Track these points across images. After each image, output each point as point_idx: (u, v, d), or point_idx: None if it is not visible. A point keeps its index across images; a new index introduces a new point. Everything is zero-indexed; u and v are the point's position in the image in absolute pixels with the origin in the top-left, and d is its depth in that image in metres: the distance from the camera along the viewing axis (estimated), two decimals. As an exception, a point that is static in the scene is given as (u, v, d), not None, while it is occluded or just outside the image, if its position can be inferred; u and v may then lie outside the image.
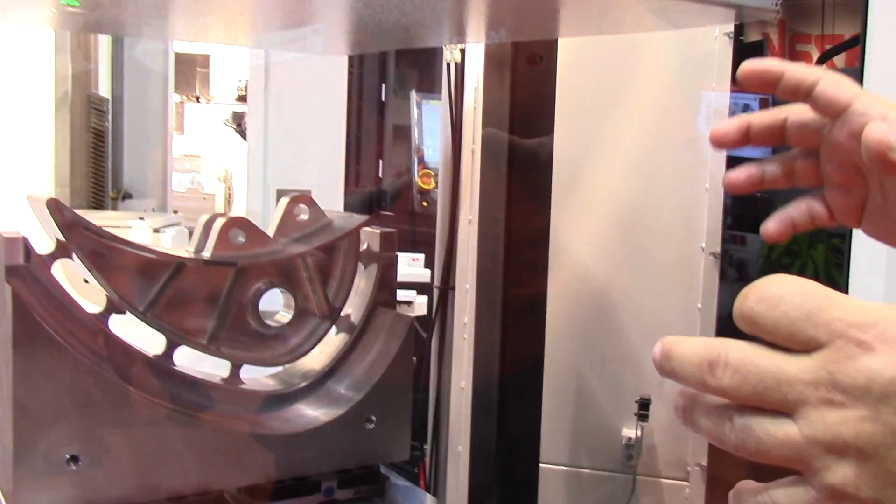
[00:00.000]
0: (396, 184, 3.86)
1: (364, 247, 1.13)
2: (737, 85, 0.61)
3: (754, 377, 0.40)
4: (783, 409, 0.39)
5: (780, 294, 0.40)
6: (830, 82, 0.57)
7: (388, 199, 3.93)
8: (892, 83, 0.85)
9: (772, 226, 0.65)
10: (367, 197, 3.85)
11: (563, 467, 1.61)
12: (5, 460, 0.91)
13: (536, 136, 1.35)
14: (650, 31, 1.19)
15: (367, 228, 1.13)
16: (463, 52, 1.55)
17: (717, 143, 0.64)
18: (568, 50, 1.47)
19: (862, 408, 0.38)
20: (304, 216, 1.07)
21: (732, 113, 1.35)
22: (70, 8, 1.08)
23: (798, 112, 0.61)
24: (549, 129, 1.37)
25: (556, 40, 1.38)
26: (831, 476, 0.38)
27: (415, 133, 3.55)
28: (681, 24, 1.05)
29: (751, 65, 0.59)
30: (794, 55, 2.73)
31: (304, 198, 1.07)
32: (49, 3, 1.08)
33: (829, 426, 0.38)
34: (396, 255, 1.14)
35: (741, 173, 0.65)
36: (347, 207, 2.90)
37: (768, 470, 0.41)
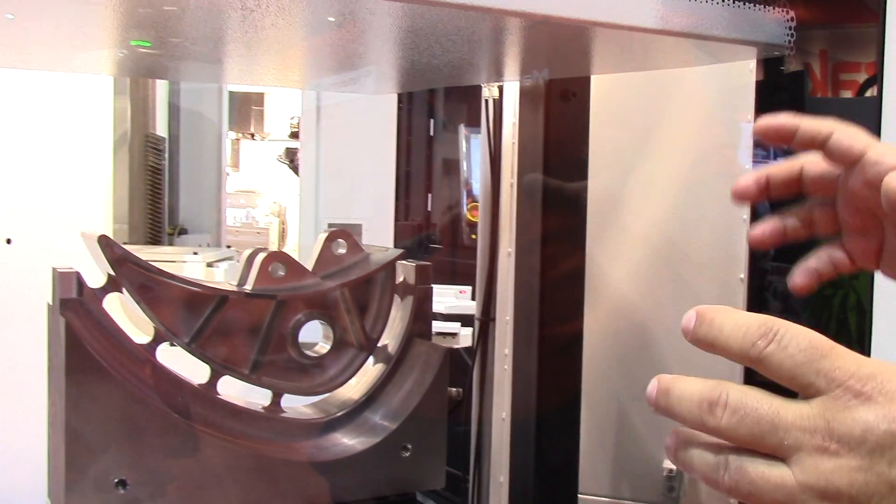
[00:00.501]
0: (446, 217, 3.91)
1: (400, 279, 1.16)
2: (755, 137, 0.64)
3: (752, 419, 0.40)
4: (779, 453, 0.40)
5: (787, 336, 0.41)
6: (843, 134, 0.60)
7: (438, 232, 3.98)
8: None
9: (799, 280, 0.67)
10: (417, 230, 3.90)
11: (603, 498, 1.62)
12: (58, 483, 0.96)
13: (570, 170, 1.38)
14: (666, 69, 1.22)
15: (403, 262, 1.17)
16: (501, 88, 1.59)
17: (739, 197, 0.66)
18: (604, 84, 1.50)
19: (857, 458, 0.39)
20: (341, 250, 1.11)
21: (758, 146, 1.35)
22: (141, 49, 1.13)
23: (813, 163, 0.64)
24: (583, 163, 1.40)
25: (589, 76, 1.42)
26: None
27: (463, 166, 3.60)
28: (690, 63, 1.08)
29: (766, 122, 0.62)
30: (837, 84, 2.73)
31: (341, 233, 1.11)
32: (119, 45, 1.14)
33: (824, 474, 0.39)
34: (432, 288, 1.17)
35: (765, 229, 0.67)
36: (397, 240, 2.95)
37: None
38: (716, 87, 1.49)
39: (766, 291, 1.97)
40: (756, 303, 1.09)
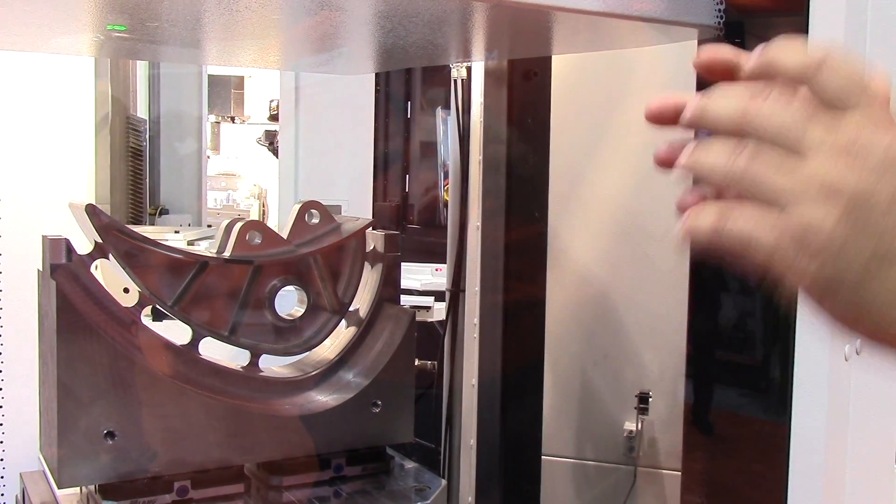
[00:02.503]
0: (423, 198, 3.98)
1: (371, 247, 1.24)
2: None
3: (792, 110, 0.42)
4: (800, 147, 0.41)
5: (843, 59, 0.43)
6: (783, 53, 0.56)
7: (416, 212, 4.05)
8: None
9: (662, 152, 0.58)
10: (395, 210, 3.96)
11: (567, 459, 1.71)
12: (51, 436, 1.03)
13: (533, 146, 1.46)
14: (617, 49, 1.29)
15: (373, 231, 1.24)
16: (469, 69, 1.66)
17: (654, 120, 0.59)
18: (567, 62, 1.57)
19: (873, 164, 0.40)
20: (314, 220, 1.18)
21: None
22: (116, 33, 1.18)
23: None
24: (545, 139, 1.47)
25: (550, 57, 1.49)
26: (812, 212, 0.40)
27: (440, 148, 3.66)
28: (641, 43, 1.15)
29: (707, 55, 0.52)
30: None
31: (314, 203, 1.19)
32: (95, 29, 1.19)
33: (837, 168, 0.40)
34: (400, 255, 1.25)
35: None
36: (376, 220, 3.01)
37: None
38: (673, 67, 1.56)
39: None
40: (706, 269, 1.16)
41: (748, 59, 0.52)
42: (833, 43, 0.93)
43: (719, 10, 0.91)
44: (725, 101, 0.44)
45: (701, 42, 1.02)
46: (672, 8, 0.90)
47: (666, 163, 0.62)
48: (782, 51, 0.44)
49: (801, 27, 0.92)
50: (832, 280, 0.41)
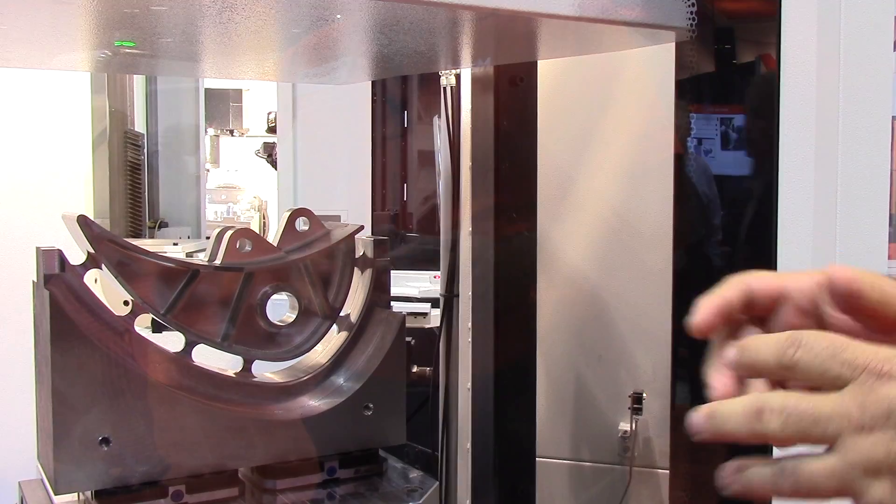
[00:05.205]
0: (421, 206, 4.00)
1: (360, 253, 1.26)
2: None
3: (795, 418, 0.45)
4: (824, 442, 0.45)
5: (811, 340, 0.46)
6: (758, 281, 0.52)
7: (414, 220, 4.07)
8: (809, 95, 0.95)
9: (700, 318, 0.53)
10: (394, 219, 3.99)
11: (562, 460, 1.72)
12: (47, 442, 1.05)
13: (520, 151, 1.47)
14: (598, 53, 1.31)
15: (363, 237, 1.26)
16: (458, 76, 1.68)
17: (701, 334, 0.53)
18: (554, 66, 1.59)
19: (890, 430, 0.43)
20: (304, 227, 1.20)
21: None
22: (125, 49, 1.20)
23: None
24: (532, 144, 1.49)
25: (536, 62, 1.51)
26: (871, 495, 0.43)
27: (438, 157, 3.68)
28: (611, 48, 1.17)
29: (700, 319, 0.51)
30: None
31: (304, 211, 1.21)
32: (103, 46, 1.21)
33: (864, 450, 0.43)
34: (390, 260, 1.27)
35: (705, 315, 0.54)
36: (375, 230, 3.03)
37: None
38: (657, 69, 1.58)
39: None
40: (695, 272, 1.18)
41: (732, 293, 0.51)
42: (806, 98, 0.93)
43: (691, 13, 0.93)
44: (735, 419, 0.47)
45: (678, 44, 1.04)
46: (649, 12, 0.92)
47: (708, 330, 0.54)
48: (750, 352, 0.48)
49: (774, 32, 0.93)
50: None
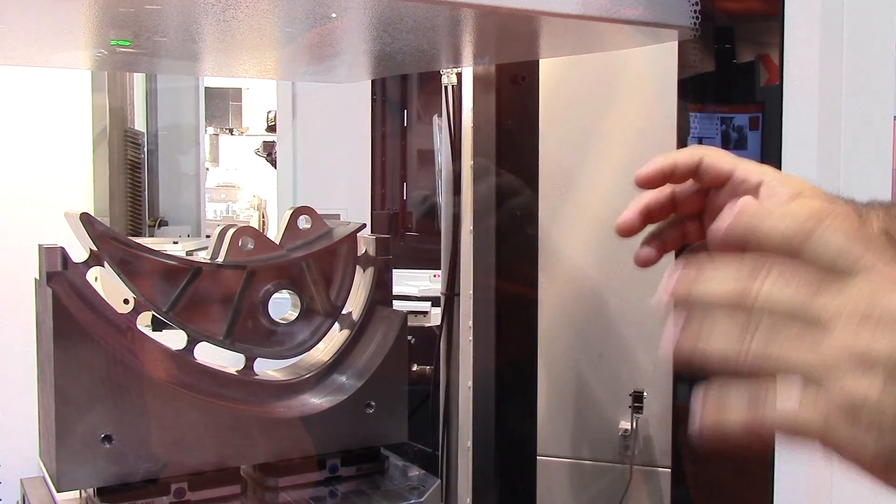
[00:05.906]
0: (421, 205, 4.00)
1: (362, 251, 1.26)
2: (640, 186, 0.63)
3: (796, 285, 0.40)
4: (817, 322, 0.39)
5: (837, 219, 0.41)
6: (712, 158, 0.63)
7: (414, 219, 4.07)
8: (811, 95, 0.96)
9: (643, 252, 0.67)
10: (393, 218, 3.99)
11: (563, 459, 1.72)
12: (49, 440, 1.05)
13: (522, 150, 1.48)
14: (600, 51, 1.31)
15: (365, 235, 1.26)
16: (459, 75, 1.69)
17: (624, 234, 0.66)
18: (556, 65, 1.59)
19: None
20: (306, 225, 1.20)
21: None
22: (120, 48, 1.20)
23: (681, 186, 0.66)
24: (534, 143, 1.50)
25: (539, 61, 1.51)
26: (854, 384, 0.38)
27: (438, 156, 3.69)
28: (614, 47, 1.17)
29: (645, 171, 0.63)
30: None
31: (306, 209, 1.21)
32: (99, 45, 1.21)
33: (864, 339, 0.38)
34: (391, 258, 1.27)
35: (650, 250, 0.68)
36: (374, 229, 3.04)
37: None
38: (659, 68, 1.58)
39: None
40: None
41: (684, 159, 0.62)
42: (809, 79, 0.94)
43: (695, 12, 0.94)
44: (719, 281, 0.42)
45: (681, 44, 1.04)
46: (652, 11, 0.92)
47: (631, 230, 0.66)
48: (763, 219, 0.43)
49: (777, 31, 0.94)
50: (894, 450, 0.39)
